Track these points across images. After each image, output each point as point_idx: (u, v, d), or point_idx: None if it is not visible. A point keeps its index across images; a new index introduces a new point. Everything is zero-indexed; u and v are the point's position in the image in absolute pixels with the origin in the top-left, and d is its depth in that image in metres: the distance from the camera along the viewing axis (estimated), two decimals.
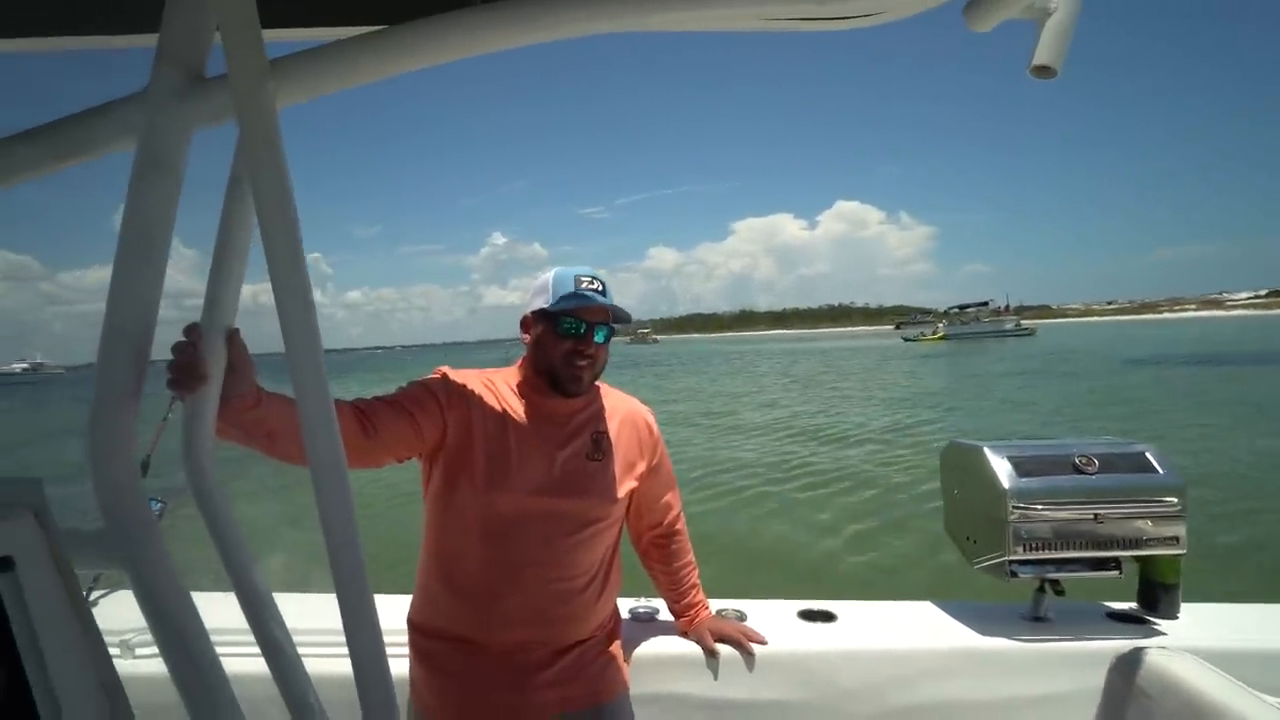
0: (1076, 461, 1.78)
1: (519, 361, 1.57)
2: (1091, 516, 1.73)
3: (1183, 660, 1.24)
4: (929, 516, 7.18)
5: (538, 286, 1.50)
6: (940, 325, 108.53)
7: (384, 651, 0.75)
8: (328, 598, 1.88)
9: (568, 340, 1.43)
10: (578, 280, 1.44)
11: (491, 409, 1.45)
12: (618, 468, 1.53)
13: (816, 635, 1.80)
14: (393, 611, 1.78)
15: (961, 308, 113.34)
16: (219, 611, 1.20)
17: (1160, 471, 1.77)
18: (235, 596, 0.82)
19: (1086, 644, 1.72)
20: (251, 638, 0.80)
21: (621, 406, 1.60)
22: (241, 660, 1.05)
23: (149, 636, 1.71)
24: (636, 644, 1.72)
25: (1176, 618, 1.84)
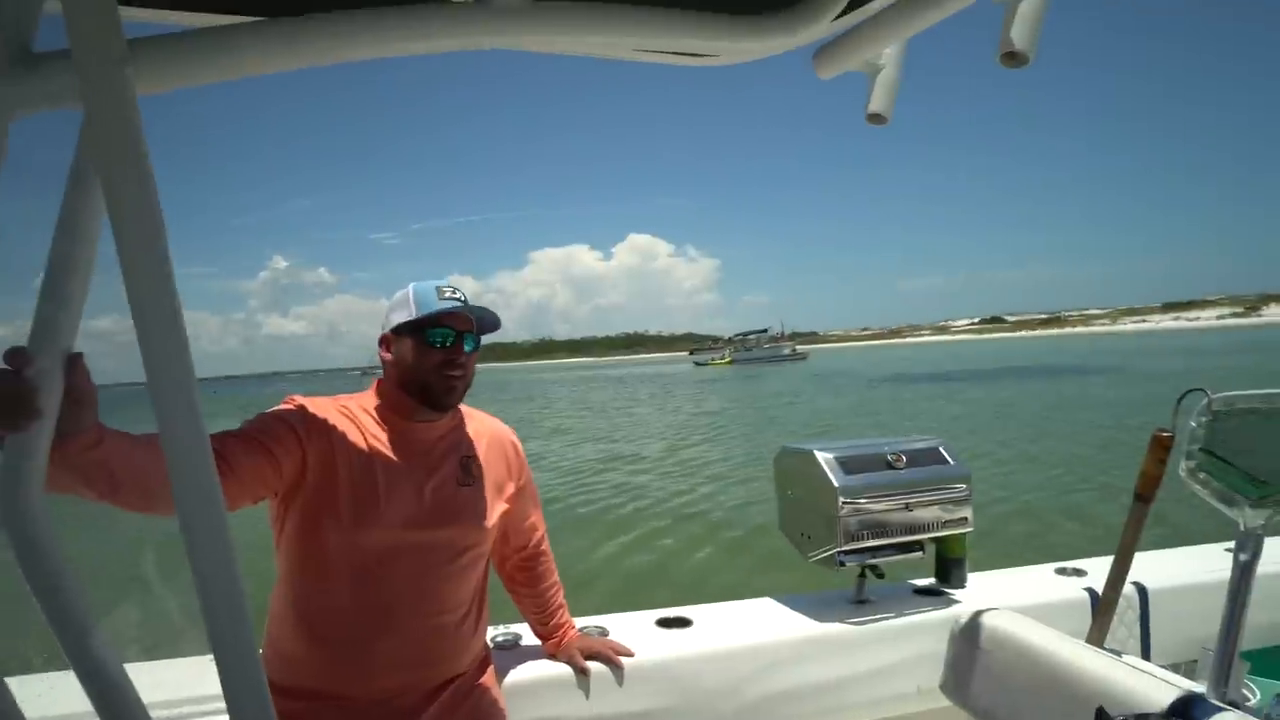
0: (889, 458, 2.04)
1: (374, 386, 1.48)
2: (904, 506, 1.99)
3: (1010, 617, 1.47)
4: (748, 516, 7.74)
5: (396, 302, 1.42)
6: (727, 351, 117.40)
7: (273, 713, 0.68)
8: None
9: (438, 352, 1.37)
10: (440, 290, 1.40)
11: (353, 440, 1.34)
12: (488, 492, 1.48)
13: (676, 642, 1.86)
14: (194, 674, 1.57)
15: (744, 335, 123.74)
16: (55, 695, 0.99)
17: (951, 463, 2.09)
18: (74, 675, 0.69)
19: (905, 619, 1.97)
20: None
21: (486, 428, 1.56)
22: None
23: None
24: (505, 672, 1.67)
25: (965, 586, 2.16)
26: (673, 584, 5.97)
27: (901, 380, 35.69)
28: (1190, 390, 1.58)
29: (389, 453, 1.37)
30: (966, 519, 2.07)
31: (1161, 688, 1.11)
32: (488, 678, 1.53)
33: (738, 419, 20.63)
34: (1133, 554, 1.73)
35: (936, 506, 2.04)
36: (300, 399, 1.36)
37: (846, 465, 2.00)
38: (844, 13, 1.04)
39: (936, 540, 2.14)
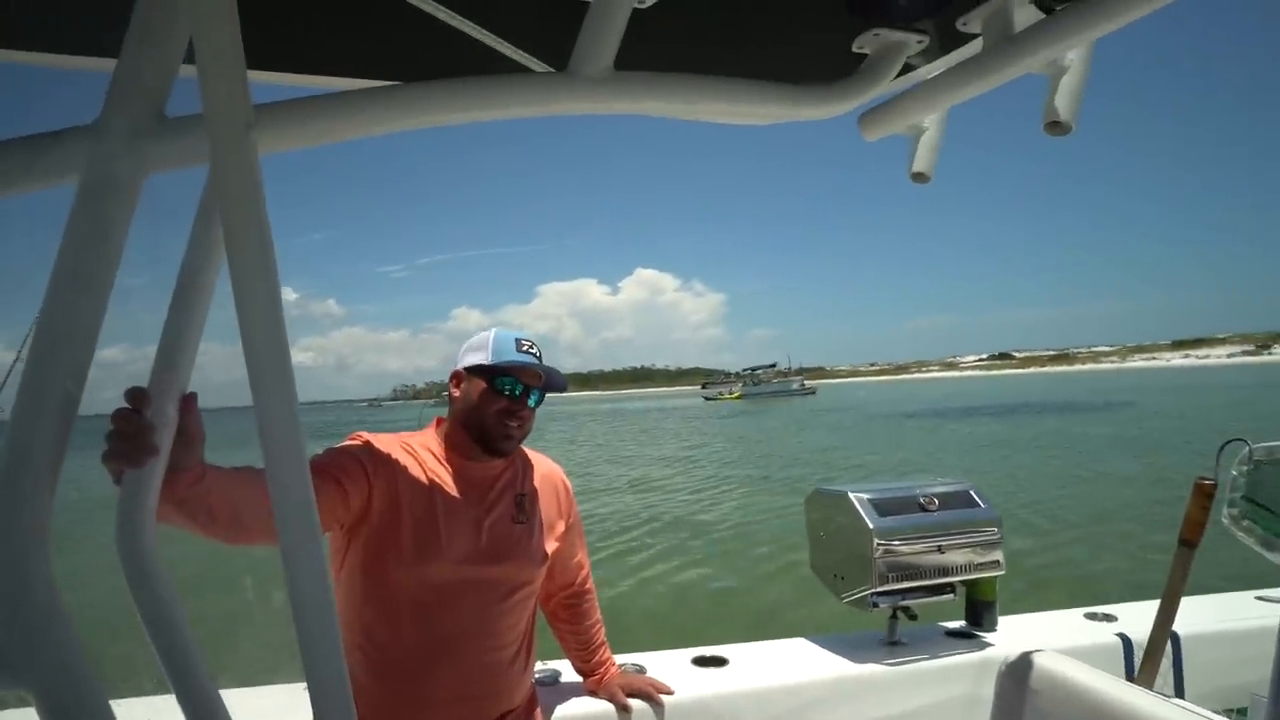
0: (921, 501, 2.08)
1: (433, 424, 1.54)
2: (936, 548, 2.03)
3: (1058, 659, 1.50)
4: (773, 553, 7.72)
5: (474, 343, 1.49)
6: (736, 386, 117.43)
7: None
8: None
9: (503, 400, 1.43)
10: (519, 343, 1.46)
11: (416, 477, 1.40)
12: (541, 529, 1.54)
13: (713, 680, 1.89)
14: (286, 703, 1.61)
15: (753, 369, 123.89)
16: (159, 718, 1.03)
17: (982, 506, 2.13)
18: (176, 700, 0.74)
19: (938, 661, 1.99)
20: None
21: (539, 467, 1.62)
22: None
23: None
24: (548, 708, 1.70)
25: (996, 629, 2.18)
26: (704, 616, 5.96)
27: (909, 415, 35.61)
28: (1231, 440, 1.63)
29: (449, 490, 1.43)
30: (998, 562, 2.10)
31: None
32: (536, 714, 1.56)
33: (756, 450, 20.57)
34: (1179, 599, 1.77)
35: (968, 549, 2.07)
36: (366, 436, 1.43)
37: (880, 507, 2.04)
38: (898, 75, 1.12)
39: (967, 583, 2.17)
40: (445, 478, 1.44)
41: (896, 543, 2.00)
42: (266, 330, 0.70)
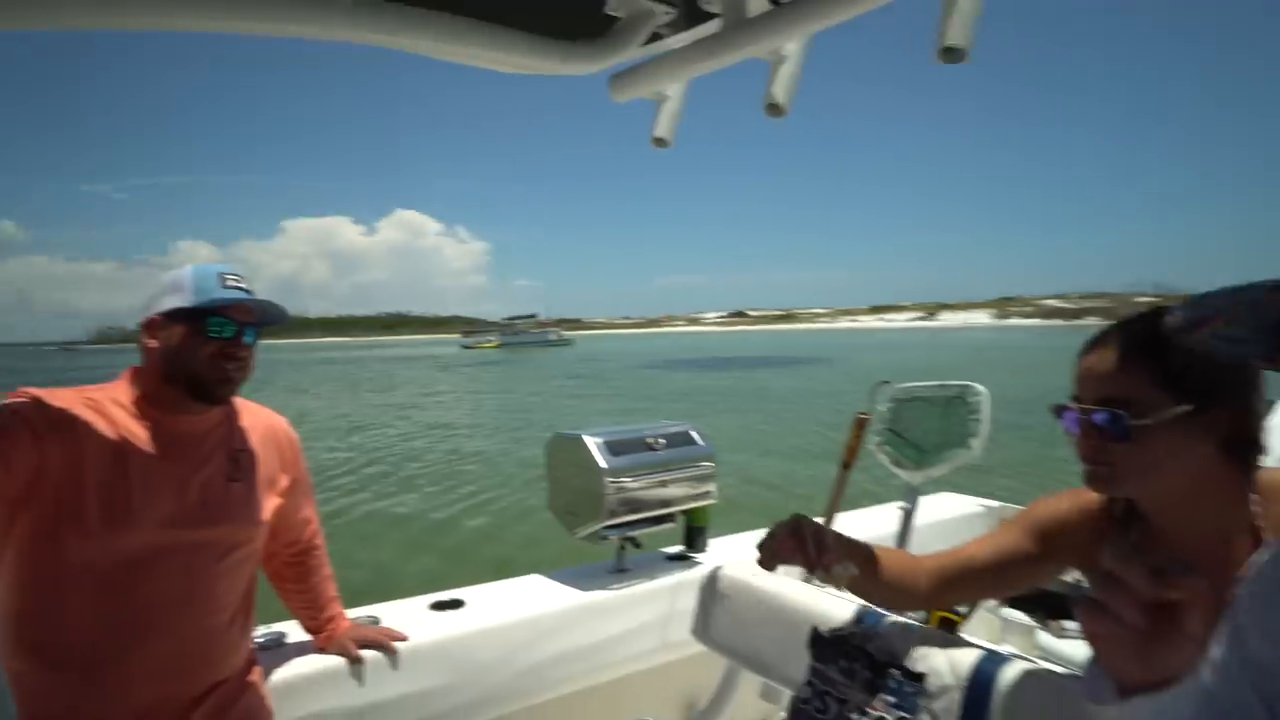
0: (649, 441, 2.29)
1: (126, 375, 1.35)
2: (660, 483, 2.25)
3: (745, 568, 1.75)
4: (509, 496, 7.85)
5: (168, 284, 1.31)
6: (495, 336, 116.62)
7: None
8: None
9: (215, 342, 1.29)
10: (223, 277, 1.32)
11: (102, 435, 1.22)
12: (260, 486, 1.43)
13: (449, 622, 1.93)
14: None
15: (513, 319, 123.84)
16: None
17: (700, 444, 2.40)
18: None
19: (656, 581, 2.23)
20: None
21: (258, 420, 1.50)
22: None
23: None
24: (272, 671, 1.62)
25: (706, 550, 2.50)
26: (444, 564, 5.94)
27: (658, 366, 38.35)
28: (882, 382, 2.02)
29: (146, 447, 1.26)
30: (711, 492, 2.39)
31: (853, 609, 1.45)
32: (254, 678, 1.47)
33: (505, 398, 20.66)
34: (836, 510, 2.17)
35: (687, 482, 2.33)
36: (35, 392, 1.20)
37: (612, 448, 2.20)
38: (646, 42, 1.20)
39: (686, 512, 2.44)
40: (141, 435, 1.27)
41: (626, 480, 2.18)
42: None
